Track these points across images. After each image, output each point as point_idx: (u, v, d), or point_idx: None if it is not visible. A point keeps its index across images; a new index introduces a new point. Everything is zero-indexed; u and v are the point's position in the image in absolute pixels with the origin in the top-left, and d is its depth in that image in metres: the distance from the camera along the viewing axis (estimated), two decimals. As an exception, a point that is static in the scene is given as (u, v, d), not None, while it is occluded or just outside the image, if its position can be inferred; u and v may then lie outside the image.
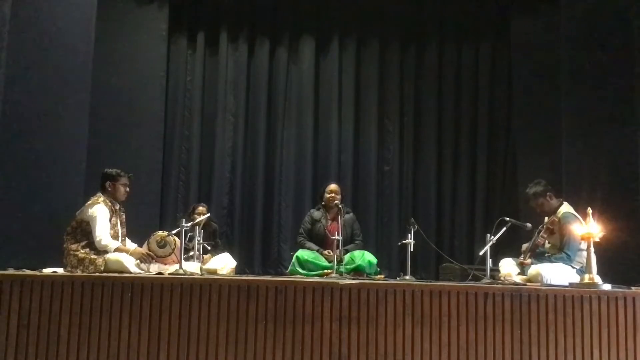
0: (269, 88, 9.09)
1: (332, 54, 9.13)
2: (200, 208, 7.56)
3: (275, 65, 9.14)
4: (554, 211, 5.84)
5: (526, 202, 6.26)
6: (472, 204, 8.89)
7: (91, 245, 5.52)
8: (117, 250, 5.53)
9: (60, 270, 5.30)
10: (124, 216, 5.93)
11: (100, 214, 5.55)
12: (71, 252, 5.49)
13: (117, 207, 5.81)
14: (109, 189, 5.76)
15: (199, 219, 6.51)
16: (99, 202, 5.61)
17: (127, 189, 5.86)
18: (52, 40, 6.80)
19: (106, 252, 5.49)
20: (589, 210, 4.86)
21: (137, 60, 8.44)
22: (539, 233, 5.77)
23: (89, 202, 5.64)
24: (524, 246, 5.99)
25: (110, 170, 5.82)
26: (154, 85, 8.54)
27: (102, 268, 5.34)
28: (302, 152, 9.01)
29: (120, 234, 5.80)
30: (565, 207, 5.80)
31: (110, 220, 5.64)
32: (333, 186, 7.10)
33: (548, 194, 5.90)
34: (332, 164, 8.97)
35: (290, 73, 9.17)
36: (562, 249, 5.60)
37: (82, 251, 5.48)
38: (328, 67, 9.14)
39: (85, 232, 5.57)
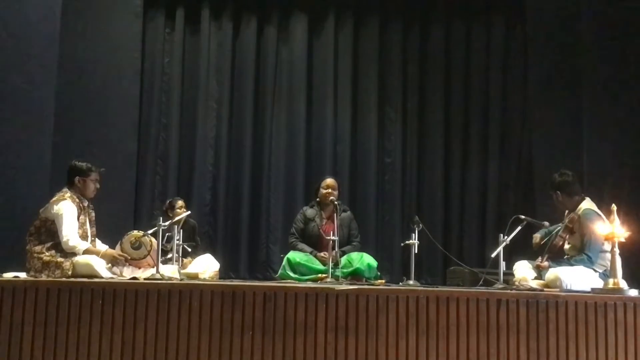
0: (256, 71, 9.08)
1: (326, 33, 9.12)
2: (180, 202, 7.48)
3: (263, 46, 9.12)
4: (573, 207, 5.83)
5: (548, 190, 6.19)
6: (483, 200, 8.90)
7: (57, 246, 5.50)
8: (86, 252, 5.50)
9: (22, 275, 5.28)
10: (93, 214, 5.90)
11: (67, 212, 5.52)
12: (35, 254, 5.46)
13: (86, 204, 5.79)
14: (78, 185, 5.73)
15: (178, 216, 6.50)
16: (66, 199, 5.58)
17: (98, 185, 5.84)
18: (13, 19, 6.77)
19: (74, 254, 5.47)
20: (614, 207, 4.86)
21: (109, 40, 8.38)
22: (557, 232, 5.77)
23: (53, 199, 5.60)
24: (536, 237, 5.95)
25: (79, 163, 5.78)
26: (128, 68, 8.49)
27: (70, 272, 5.32)
28: (294, 142, 9.00)
29: (89, 234, 5.78)
30: (587, 204, 5.78)
31: (78, 219, 5.62)
32: (329, 181, 7.08)
33: (569, 189, 5.87)
34: (328, 156, 8.96)
35: (280, 54, 9.15)
36: (582, 250, 5.60)
37: (47, 253, 5.46)
38: (322, 48, 9.13)
39: (50, 232, 5.54)
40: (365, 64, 9.14)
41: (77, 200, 5.65)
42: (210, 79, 9.00)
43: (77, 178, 5.72)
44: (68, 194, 5.63)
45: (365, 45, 9.16)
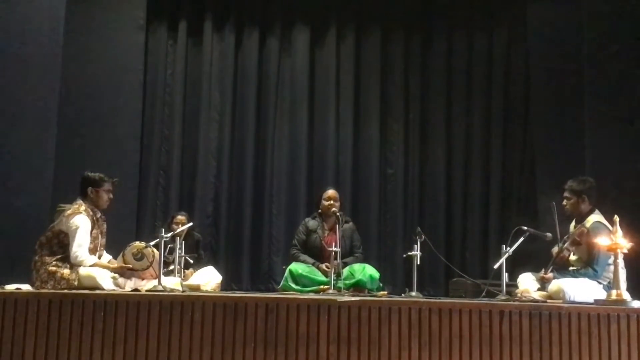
0: (258, 83, 9.08)
1: (328, 44, 9.12)
2: (180, 217, 7.50)
3: (265, 58, 9.13)
4: (580, 215, 5.79)
5: (561, 192, 6.14)
6: (486, 211, 8.87)
7: (67, 259, 5.50)
8: (94, 266, 5.50)
9: (24, 287, 5.27)
10: (104, 226, 5.89)
11: (82, 227, 5.51)
12: (44, 265, 5.45)
13: (99, 215, 5.78)
14: (91, 196, 5.71)
15: (179, 228, 6.49)
16: (81, 212, 5.56)
17: (111, 196, 5.84)
18: (17, 30, 6.79)
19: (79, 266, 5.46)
20: (616, 218, 4.84)
21: (112, 52, 8.40)
22: (564, 244, 5.73)
23: (69, 212, 5.58)
24: (554, 250, 5.89)
25: (92, 174, 5.76)
26: (131, 80, 8.51)
27: (76, 283, 5.32)
28: (296, 153, 8.99)
29: (100, 246, 5.79)
30: (595, 217, 5.73)
31: (91, 233, 5.60)
32: (331, 192, 7.08)
33: (583, 196, 5.82)
34: (330, 167, 8.95)
35: (283, 66, 9.16)
36: (589, 264, 5.57)
37: (53, 264, 5.44)
38: (324, 59, 9.13)
39: (62, 244, 5.54)
40: (367, 74, 9.14)
41: (90, 213, 5.64)
42: (212, 91, 9.01)
43: (89, 189, 5.71)
44: (83, 207, 5.61)
45: (367, 56, 9.15)
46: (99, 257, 5.79)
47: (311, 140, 9.04)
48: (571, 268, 5.69)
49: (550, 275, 5.63)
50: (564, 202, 5.90)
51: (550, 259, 5.86)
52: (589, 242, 5.59)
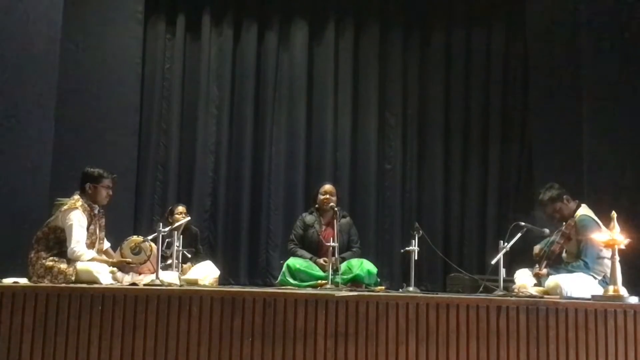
0: (256, 77, 9.08)
1: (327, 39, 9.12)
2: (180, 208, 7.48)
3: (263, 52, 9.13)
4: (572, 213, 5.82)
5: (542, 210, 6.17)
6: (484, 207, 8.89)
7: (63, 254, 5.47)
8: (92, 260, 5.48)
9: (22, 281, 5.26)
10: (103, 220, 5.87)
11: (78, 222, 5.47)
12: (40, 260, 5.42)
13: (96, 211, 5.75)
14: (89, 192, 5.68)
15: (178, 222, 6.48)
16: (77, 208, 5.52)
17: (110, 192, 5.79)
18: (13, 24, 6.76)
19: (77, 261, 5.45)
20: (614, 214, 4.84)
21: (110, 45, 8.39)
22: (554, 240, 5.75)
23: (65, 207, 5.54)
24: (536, 248, 5.94)
25: (91, 169, 5.73)
26: (129, 74, 8.51)
27: (73, 278, 5.30)
28: (294, 148, 9.00)
29: (97, 242, 5.77)
30: (583, 210, 5.76)
31: (88, 228, 5.58)
32: (328, 187, 7.08)
33: (565, 197, 5.87)
34: (327, 162, 8.96)
35: (281, 60, 9.16)
36: (579, 256, 5.59)
37: (50, 259, 5.43)
38: (323, 54, 9.14)
39: (59, 240, 5.50)
40: (365, 70, 9.14)
41: (87, 208, 5.60)
42: (210, 85, 9.01)
43: (88, 185, 5.67)
44: (79, 203, 5.57)
45: (365, 52, 9.16)
46: (99, 250, 5.78)
47: (309, 135, 9.05)
48: (563, 264, 5.70)
49: (544, 271, 5.64)
50: (555, 215, 5.90)
51: (535, 257, 5.90)
52: (577, 235, 5.62)
